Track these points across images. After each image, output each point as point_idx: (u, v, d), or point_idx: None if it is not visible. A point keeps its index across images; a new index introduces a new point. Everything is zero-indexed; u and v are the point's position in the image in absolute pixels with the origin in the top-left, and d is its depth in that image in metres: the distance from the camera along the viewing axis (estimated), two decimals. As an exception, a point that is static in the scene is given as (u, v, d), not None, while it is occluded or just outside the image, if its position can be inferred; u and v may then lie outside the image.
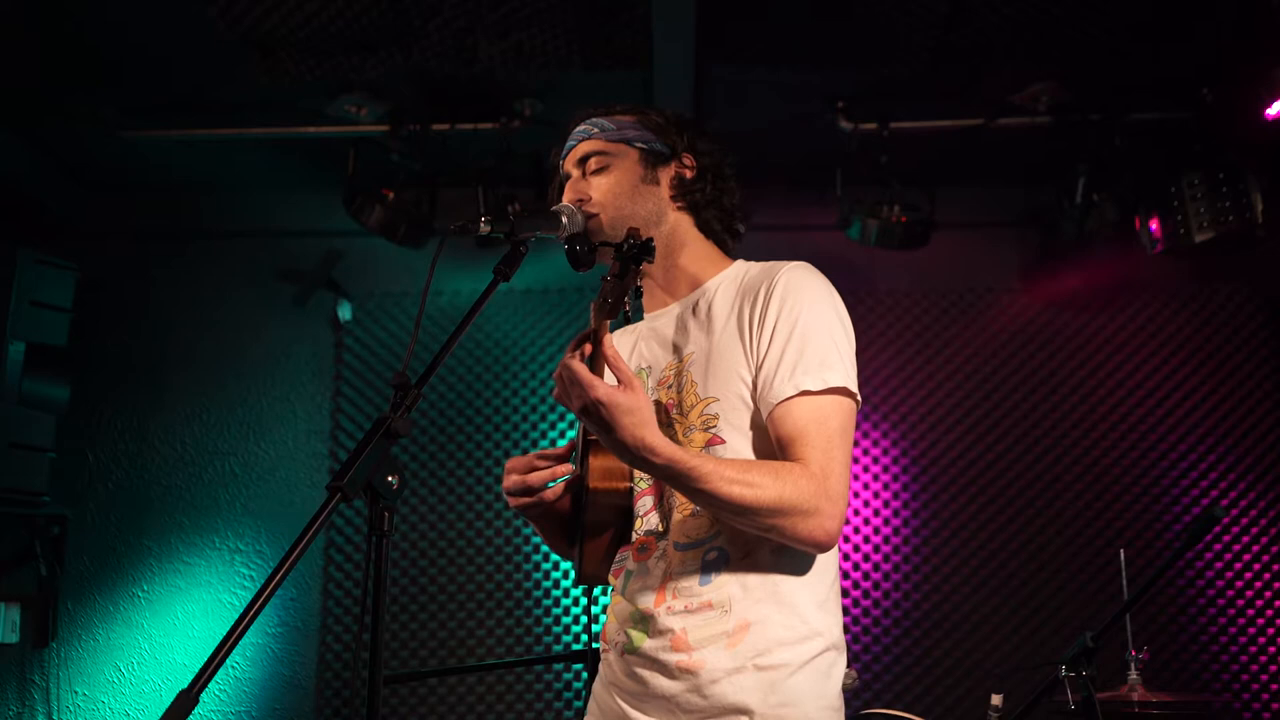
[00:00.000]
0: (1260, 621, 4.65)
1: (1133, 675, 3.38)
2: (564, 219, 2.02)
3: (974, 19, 3.73)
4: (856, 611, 4.75)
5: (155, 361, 5.05)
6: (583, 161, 2.10)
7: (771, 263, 2.04)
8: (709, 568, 1.87)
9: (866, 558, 4.78)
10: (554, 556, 4.82)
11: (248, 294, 5.10)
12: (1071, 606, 4.66)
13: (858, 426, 5.04)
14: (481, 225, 1.86)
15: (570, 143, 2.14)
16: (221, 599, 4.86)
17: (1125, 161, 4.31)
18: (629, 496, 1.95)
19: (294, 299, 5.06)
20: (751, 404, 1.92)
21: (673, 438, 1.92)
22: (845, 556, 4.78)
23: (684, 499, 1.90)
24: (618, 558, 2.02)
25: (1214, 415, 4.80)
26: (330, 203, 4.58)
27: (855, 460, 4.85)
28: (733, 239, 2.16)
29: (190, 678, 1.36)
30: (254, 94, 4.26)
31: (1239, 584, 4.68)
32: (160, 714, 1.32)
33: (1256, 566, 4.69)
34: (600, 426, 1.72)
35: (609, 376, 1.78)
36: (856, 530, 4.81)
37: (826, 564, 1.91)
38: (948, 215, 4.60)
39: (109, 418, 5.01)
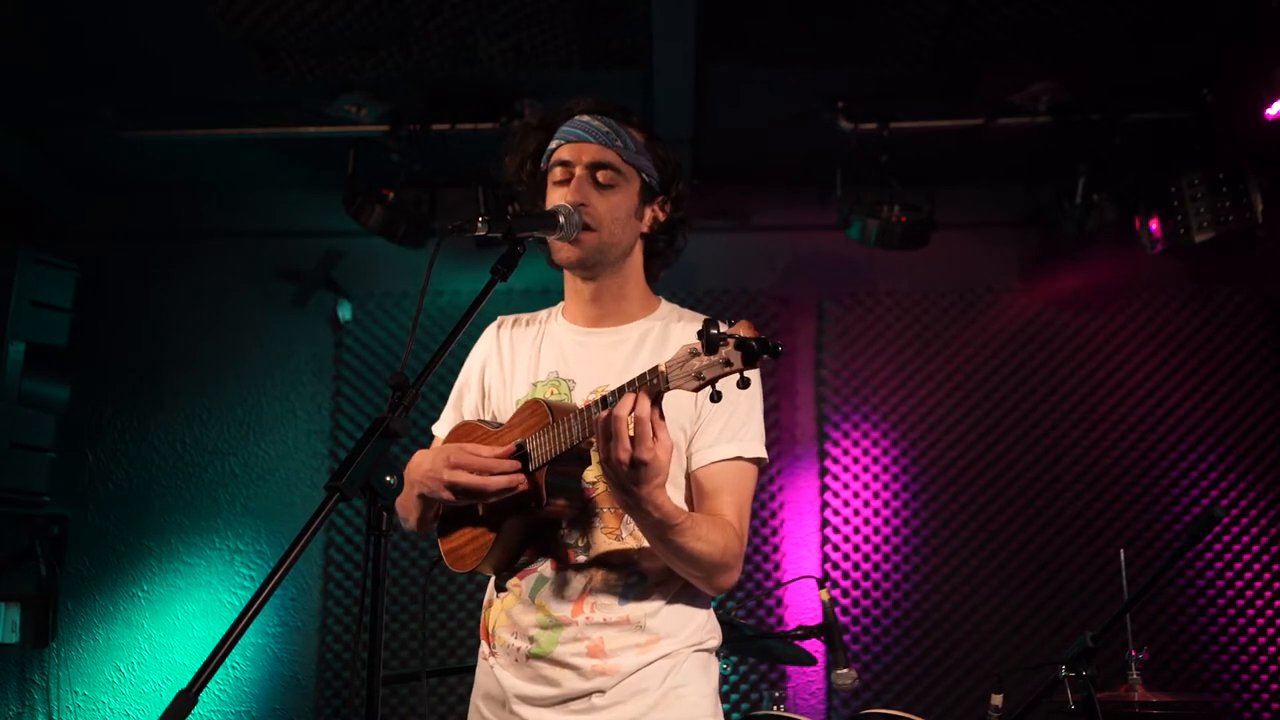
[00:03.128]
0: (1260, 621, 4.64)
1: (1133, 675, 3.37)
2: (561, 219, 2.02)
3: (974, 19, 3.73)
4: (856, 611, 4.75)
5: (155, 361, 5.05)
6: (595, 167, 2.10)
7: (697, 314, 2.19)
8: (630, 589, 2.04)
9: (866, 558, 4.78)
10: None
11: (248, 294, 5.10)
12: (1071, 606, 4.66)
13: (857, 427, 5.06)
14: (479, 225, 1.86)
15: (582, 133, 2.12)
16: (221, 599, 4.86)
17: (1125, 161, 4.31)
18: (569, 512, 2.03)
19: (294, 299, 5.05)
20: (684, 453, 2.08)
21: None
22: (845, 557, 4.78)
23: (608, 521, 2.04)
24: (522, 560, 2.10)
25: (1214, 415, 4.80)
26: (330, 203, 4.58)
27: (855, 460, 4.86)
28: (653, 283, 2.29)
29: (190, 678, 1.36)
30: (254, 94, 4.26)
31: (1239, 584, 4.68)
32: (160, 714, 1.32)
33: (1256, 566, 4.69)
34: (629, 479, 1.79)
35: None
36: (857, 530, 4.81)
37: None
38: (948, 215, 4.59)
39: (109, 418, 5.01)
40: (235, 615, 1.42)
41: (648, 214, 2.18)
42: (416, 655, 4.73)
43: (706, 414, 2.07)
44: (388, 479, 1.57)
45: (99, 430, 4.99)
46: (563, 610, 2.03)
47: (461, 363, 2.36)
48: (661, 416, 1.78)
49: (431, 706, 4.72)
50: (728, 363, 1.65)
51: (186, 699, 1.35)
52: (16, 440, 4.31)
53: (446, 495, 1.98)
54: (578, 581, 2.04)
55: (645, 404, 1.75)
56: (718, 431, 2.07)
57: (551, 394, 2.12)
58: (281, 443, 5.01)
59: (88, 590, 4.85)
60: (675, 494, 2.04)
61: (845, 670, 3.52)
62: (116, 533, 4.92)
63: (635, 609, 2.03)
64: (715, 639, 2.14)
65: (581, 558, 2.04)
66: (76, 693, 4.78)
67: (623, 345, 2.16)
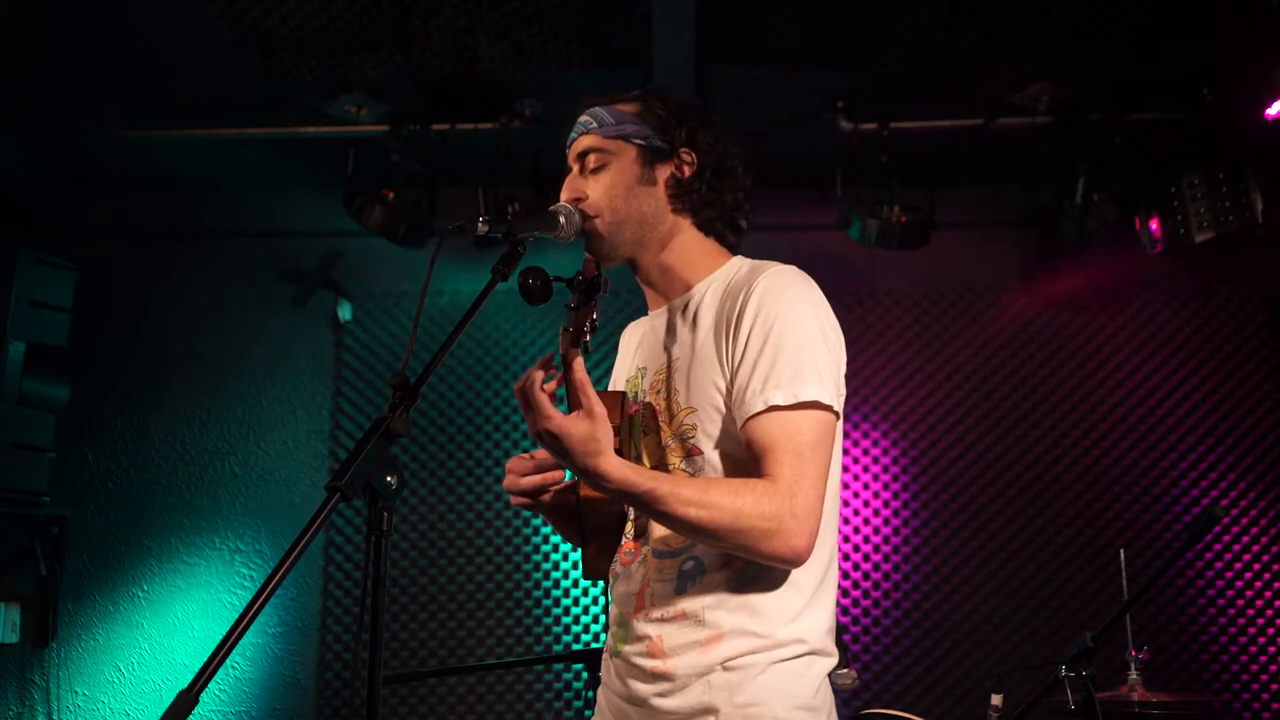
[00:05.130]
0: (1260, 621, 4.64)
1: (1133, 675, 3.37)
2: (561, 219, 2.00)
3: (974, 19, 3.73)
4: (856, 612, 4.75)
5: (155, 361, 5.05)
6: (582, 157, 2.06)
7: (759, 263, 2.01)
8: (685, 577, 1.88)
9: (866, 558, 4.78)
10: (554, 557, 4.83)
11: (248, 294, 5.10)
12: (1071, 606, 4.66)
13: (857, 427, 5.04)
14: (479, 225, 1.85)
15: (573, 134, 2.10)
16: (221, 599, 4.86)
17: (1125, 161, 4.31)
18: (619, 502, 1.93)
19: (294, 299, 5.05)
20: (727, 413, 1.89)
21: (658, 445, 1.95)
22: (845, 556, 4.78)
23: None
24: (614, 558, 2.04)
25: (1214, 415, 4.80)
26: (330, 203, 4.57)
27: (856, 461, 4.85)
28: (736, 235, 2.11)
29: (190, 678, 1.36)
30: (254, 94, 4.26)
31: (1239, 584, 4.68)
32: (160, 714, 1.32)
33: (1256, 566, 4.69)
34: (555, 452, 1.73)
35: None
36: (856, 530, 4.81)
37: (808, 573, 1.87)
38: (948, 215, 4.59)
39: (109, 418, 5.01)
40: (235, 615, 1.41)
41: (662, 174, 2.04)
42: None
43: (735, 362, 1.87)
44: (388, 479, 1.57)
45: (99, 430, 4.99)
46: (627, 606, 1.94)
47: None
48: (550, 379, 1.73)
49: (431, 706, 4.72)
50: (574, 307, 1.59)
51: (187, 699, 1.34)
52: (16, 440, 4.31)
53: (513, 501, 1.98)
54: (638, 574, 1.94)
55: (533, 376, 1.71)
56: (746, 381, 1.84)
57: (633, 387, 2.07)
58: (281, 443, 5.01)
59: (88, 590, 4.85)
60: (718, 455, 1.90)
61: (845, 670, 3.51)
62: (116, 533, 4.91)
63: (692, 601, 1.86)
64: (810, 639, 1.85)
65: (643, 547, 1.95)
66: (76, 693, 4.78)
67: (666, 324, 2.08)
